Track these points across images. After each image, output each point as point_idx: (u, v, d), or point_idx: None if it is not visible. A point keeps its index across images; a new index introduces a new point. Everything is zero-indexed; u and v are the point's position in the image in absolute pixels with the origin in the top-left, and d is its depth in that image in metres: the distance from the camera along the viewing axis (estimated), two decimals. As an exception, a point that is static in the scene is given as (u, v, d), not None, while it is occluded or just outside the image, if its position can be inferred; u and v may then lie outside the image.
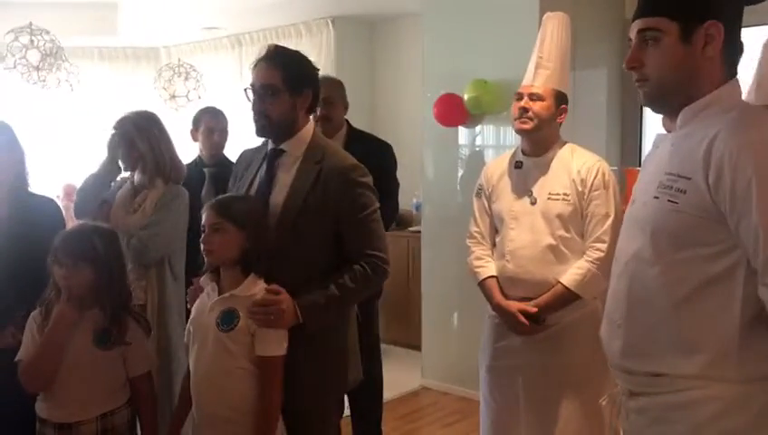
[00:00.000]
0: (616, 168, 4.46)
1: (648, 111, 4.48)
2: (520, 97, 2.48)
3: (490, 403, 2.58)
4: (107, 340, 2.09)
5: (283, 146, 2.15)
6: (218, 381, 1.98)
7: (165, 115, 5.89)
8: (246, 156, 2.34)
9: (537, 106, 2.44)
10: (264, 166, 2.19)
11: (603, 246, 2.37)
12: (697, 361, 1.36)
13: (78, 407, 2.06)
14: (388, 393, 3.64)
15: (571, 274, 2.39)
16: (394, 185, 3.32)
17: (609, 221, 2.39)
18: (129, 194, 2.81)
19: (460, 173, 4.37)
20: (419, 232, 4.69)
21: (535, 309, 2.39)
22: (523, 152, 2.54)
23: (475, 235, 2.62)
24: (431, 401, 4.25)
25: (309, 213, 2.04)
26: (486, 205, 2.59)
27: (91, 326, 2.09)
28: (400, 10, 5.46)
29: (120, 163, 2.84)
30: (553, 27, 2.53)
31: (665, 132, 1.52)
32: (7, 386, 2.12)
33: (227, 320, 1.97)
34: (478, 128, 4.27)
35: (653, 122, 4.45)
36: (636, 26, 1.45)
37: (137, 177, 2.82)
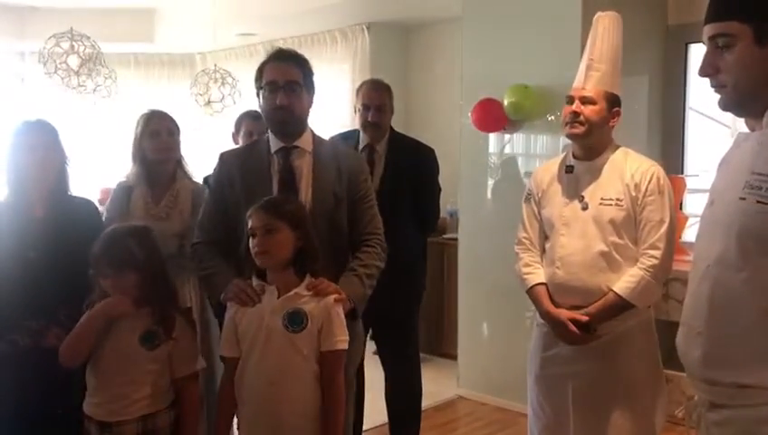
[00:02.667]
0: (658, 175, 4.39)
1: (690, 119, 4.39)
2: (571, 100, 2.41)
3: (539, 414, 2.51)
4: (153, 340, 2.08)
5: (296, 143, 2.26)
6: (289, 384, 1.96)
7: (201, 121, 5.95)
8: (233, 160, 2.34)
9: (588, 110, 2.36)
10: (279, 163, 2.24)
11: (658, 253, 2.29)
12: None
13: (121, 406, 2.05)
14: (425, 402, 3.58)
15: (624, 282, 2.30)
16: (436, 189, 3.28)
17: (665, 228, 2.31)
18: (147, 196, 2.82)
19: (497, 179, 4.31)
20: (454, 239, 4.65)
21: (586, 318, 2.31)
22: (574, 156, 2.47)
23: (524, 241, 2.54)
24: (468, 410, 4.19)
25: (337, 205, 2.20)
26: (536, 210, 2.53)
27: (139, 326, 2.09)
28: (435, 16, 5.44)
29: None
30: (605, 27, 2.46)
31: (747, 131, 1.45)
32: (54, 385, 2.12)
33: (296, 321, 1.96)
34: (517, 134, 4.21)
35: (696, 130, 4.37)
36: (706, 32, 1.40)
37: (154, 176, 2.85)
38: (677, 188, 4.09)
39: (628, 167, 2.37)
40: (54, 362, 2.11)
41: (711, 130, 4.29)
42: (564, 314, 2.35)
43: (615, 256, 2.33)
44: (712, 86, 1.42)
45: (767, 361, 1.32)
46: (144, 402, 2.07)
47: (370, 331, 3.22)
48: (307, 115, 2.28)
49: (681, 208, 4.08)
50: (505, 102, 3.99)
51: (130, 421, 2.05)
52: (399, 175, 3.20)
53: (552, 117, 3.92)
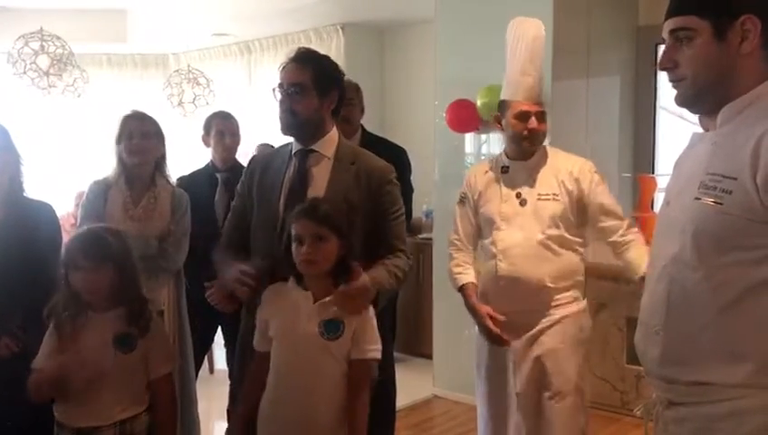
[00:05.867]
0: (629, 174, 4.44)
1: (661, 118, 4.45)
2: (525, 116, 2.49)
3: (490, 402, 2.65)
4: (128, 342, 2.05)
5: (314, 146, 2.18)
6: (325, 390, 1.93)
7: (174, 121, 5.91)
8: (260, 161, 2.32)
9: (544, 125, 2.53)
10: (294, 166, 2.19)
11: (633, 228, 2.52)
12: (744, 369, 1.30)
13: (96, 412, 2.01)
14: (400, 402, 3.59)
15: (642, 260, 2.35)
16: (408, 190, 3.29)
17: (620, 207, 2.54)
18: (126, 196, 2.80)
19: (471, 180, 4.33)
20: (429, 239, 4.66)
21: (503, 318, 2.47)
22: (508, 157, 2.60)
23: (456, 242, 2.68)
24: (443, 409, 4.20)
25: (350, 211, 2.08)
26: (470, 213, 2.65)
27: (112, 329, 2.05)
28: (410, 17, 5.45)
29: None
30: (538, 35, 2.56)
31: (701, 131, 1.47)
32: (17, 393, 2.08)
33: (333, 328, 1.92)
34: (491, 134, 4.23)
35: (666, 129, 4.43)
36: (667, 26, 1.41)
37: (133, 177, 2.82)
38: (648, 188, 4.15)
39: (561, 164, 2.55)
40: (11, 371, 2.07)
41: (681, 129, 4.36)
42: (484, 309, 2.51)
43: (554, 246, 2.49)
44: (671, 80, 1.43)
45: (723, 358, 1.33)
46: (120, 407, 2.04)
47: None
48: (320, 118, 2.16)
49: (652, 207, 4.12)
50: (478, 103, 4.02)
51: (108, 427, 2.01)
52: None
53: (491, 121, 3.95)
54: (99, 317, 2.06)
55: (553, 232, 2.48)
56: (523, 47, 2.53)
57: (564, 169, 2.52)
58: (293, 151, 2.22)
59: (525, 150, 2.55)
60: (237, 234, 2.25)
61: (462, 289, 2.60)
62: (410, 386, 4.17)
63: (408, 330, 4.93)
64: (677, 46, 1.40)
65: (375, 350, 1.97)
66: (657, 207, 4.23)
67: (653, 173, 4.34)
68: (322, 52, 6.47)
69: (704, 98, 1.41)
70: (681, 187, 1.44)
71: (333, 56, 5.67)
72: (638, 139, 4.49)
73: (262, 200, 2.17)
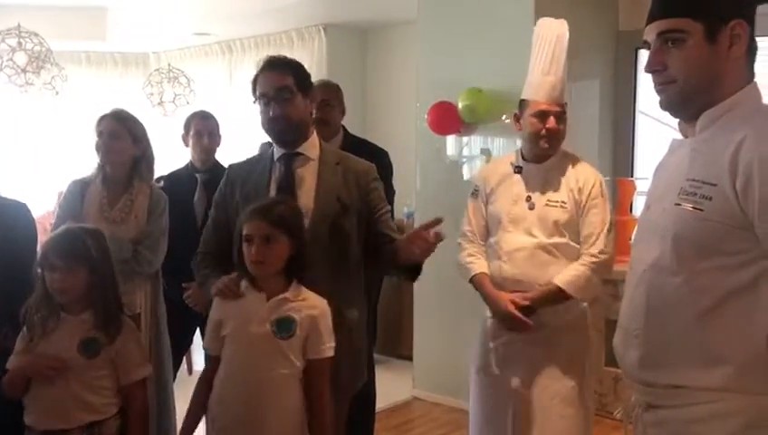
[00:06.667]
0: (608, 178, 4.47)
1: (640, 122, 4.49)
2: (544, 115, 2.47)
3: (482, 404, 2.60)
4: (94, 347, 2.02)
5: (299, 149, 2.19)
6: (274, 391, 1.92)
7: (154, 121, 5.86)
8: (239, 170, 2.30)
9: (562, 126, 2.50)
10: (279, 170, 2.19)
11: (597, 251, 2.46)
12: (721, 373, 1.32)
13: (62, 414, 1.99)
14: (380, 404, 3.58)
15: (565, 274, 2.44)
16: (390, 192, 3.28)
17: (606, 228, 2.48)
18: (103, 197, 2.76)
19: (451, 182, 4.34)
20: (411, 241, 4.65)
21: (527, 302, 2.43)
22: (524, 158, 2.57)
23: (468, 233, 2.65)
24: (423, 411, 4.20)
25: (343, 211, 2.13)
26: (482, 206, 2.63)
27: (80, 332, 2.03)
28: (392, 18, 5.44)
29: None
30: (563, 30, 2.53)
31: (680, 138, 1.48)
32: None
33: (285, 327, 1.92)
34: (472, 136, 4.24)
35: (645, 133, 4.46)
36: (655, 28, 1.40)
37: (109, 178, 2.77)
38: (627, 191, 4.18)
39: (573, 172, 2.52)
40: None
41: (660, 133, 4.40)
42: (506, 296, 2.47)
43: (558, 253, 2.47)
44: (658, 83, 1.42)
45: (701, 362, 1.34)
46: (86, 411, 2.01)
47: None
48: (308, 120, 2.21)
49: (630, 211, 4.16)
50: (460, 105, 4.03)
51: (75, 430, 1.99)
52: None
53: (508, 119, 3.96)
54: (71, 319, 2.05)
55: (558, 239, 2.47)
56: (546, 47, 2.51)
57: (573, 176, 2.51)
58: (277, 157, 2.21)
59: (541, 151, 2.51)
60: (217, 245, 2.22)
61: (475, 279, 2.56)
62: (390, 388, 4.17)
63: (387, 331, 4.92)
64: (666, 48, 1.39)
65: (330, 348, 1.97)
66: (636, 210, 4.27)
67: (632, 177, 4.38)
68: (305, 52, 6.47)
69: (692, 101, 1.40)
70: (661, 192, 1.44)
71: (315, 57, 5.72)
72: (617, 142, 4.52)
73: (247, 205, 2.12)
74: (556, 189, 2.50)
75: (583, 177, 2.51)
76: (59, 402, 2.00)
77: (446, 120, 4.12)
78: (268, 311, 1.93)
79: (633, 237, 1.53)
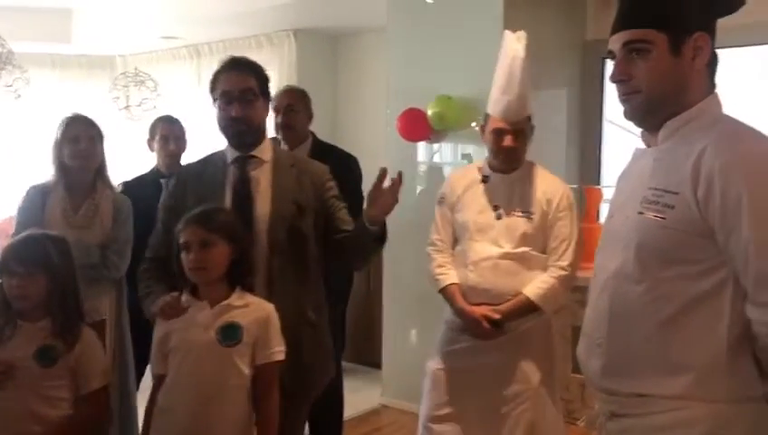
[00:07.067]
0: (576, 186, 4.51)
1: (607, 131, 4.54)
2: (502, 133, 2.48)
3: (435, 404, 2.60)
4: (50, 356, 1.98)
5: (254, 152, 2.19)
6: (223, 400, 1.88)
7: (120, 125, 5.77)
8: (188, 173, 2.28)
9: (521, 143, 2.51)
10: (234, 174, 2.17)
11: (566, 264, 2.49)
12: (684, 381, 1.33)
13: (17, 423, 1.94)
14: (348, 412, 3.57)
15: (535, 287, 2.46)
16: (359, 199, 3.26)
17: (573, 241, 2.51)
18: (65, 203, 2.72)
19: (421, 189, 4.34)
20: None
21: (498, 315, 2.44)
22: (491, 167, 2.58)
23: (437, 242, 2.65)
24: (391, 419, 4.18)
25: (300, 213, 2.14)
26: (449, 214, 2.64)
27: (36, 340, 1.98)
28: (363, 25, 5.44)
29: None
30: (518, 48, 2.52)
31: (643, 147, 1.50)
32: None
33: (231, 335, 1.89)
34: (442, 143, 4.26)
35: (612, 142, 4.52)
36: (620, 39, 1.41)
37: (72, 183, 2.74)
38: (594, 199, 4.22)
39: (540, 184, 2.55)
40: None
41: (627, 142, 4.45)
42: (478, 311, 2.47)
43: (524, 263, 2.50)
44: (623, 93, 1.43)
45: (663, 370, 1.35)
46: (41, 425, 1.96)
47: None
48: (264, 125, 2.23)
49: (597, 219, 4.20)
50: (429, 113, 4.03)
51: None
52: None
53: (477, 127, 3.98)
54: (28, 327, 2.00)
55: (524, 249, 2.49)
56: (505, 64, 2.52)
57: (542, 188, 2.53)
58: (230, 159, 2.20)
59: (504, 165, 2.55)
60: (167, 250, 2.15)
61: (445, 290, 2.56)
62: (358, 395, 4.15)
63: (356, 338, 4.90)
64: (631, 59, 1.40)
65: (280, 352, 1.95)
66: (603, 217, 4.32)
67: (599, 185, 4.42)
68: (274, 57, 6.43)
69: (655, 111, 1.41)
70: (624, 201, 1.46)
71: (285, 62, 5.69)
72: (584, 150, 4.57)
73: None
74: (524, 200, 2.52)
75: (552, 188, 2.54)
76: (11, 415, 1.94)
77: (416, 126, 4.12)
78: (212, 318, 1.90)
79: (597, 246, 1.54)
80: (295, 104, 3.20)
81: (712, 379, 1.32)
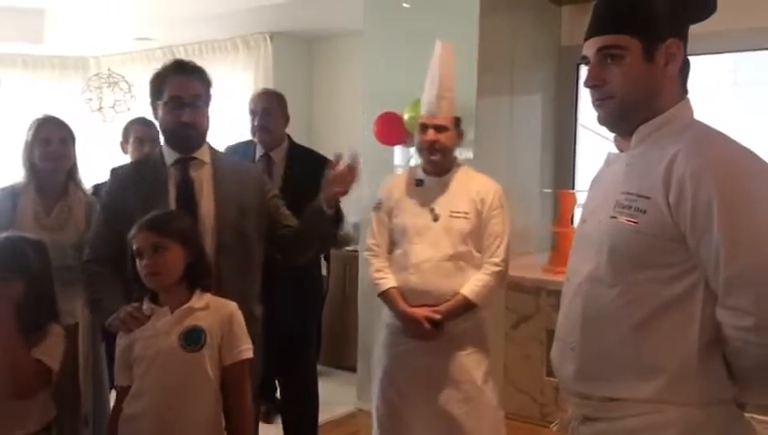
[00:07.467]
0: (550, 190, 4.55)
1: (581, 136, 4.59)
2: (425, 128, 2.62)
3: (386, 404, 2.67)
4: None
5: (195, 154, 2.23)
6: (190, 408, 1.86)
7: (92, 126, 5.70)
8: (125, 174, 2.28)
9: (444, 137, 2.61)
10: (176, 176, 2.20)
11: (499, 261, 2.60)
12: (656, 384, 1.34)
13: None
14: (323, 416, 3.56)
15: (471, 285, 2.56)
16: (334, 203, 3.26)
17: (505, 238, 2.62)
18: (37, 205, 2.69)
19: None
20: (356, 251, 4.64)
21: (439, 316, 2.53)
22: (425, 171, 2.69)
23: (374, 247, 2.72)
24: (367, 423, 4.13)
25: (243, 215, 2.19)
26: (385, 219, 2.72)
27: None
28: (339, 28, 5.44)
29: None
30: (445, 56, 2.69)
31: (616, 151, 1.51)
32: None
33: (194, 339, 1.86)
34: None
35: (586, 146, 4.56)
36: (594, 44, 1.42)
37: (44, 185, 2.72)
38: (568, 203, 4.25)
39: (473, 184, 2.66)
40: None
41: (600, 147, 4.49)
42: (419, 312, 2.55)
43: (463, 263, 2.59)
44: (597, 99, 1.44)
45: (635, 374, 1.36)
46: (8, 426, 1.93)
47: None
48: (208, 128, 2.26)
49: (571, 223, 4.24)
50: (405, 117, 4.04)
51: None
52: (298, 185, 3.16)
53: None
54: None
55: (463, 249, 2.58)
56: (432, 70, 2.69)
57: (474, 189, 2.63)
58: (170, 161, 2.22)
59: (433, 164, 2.64)
60: (109, 249, 2.16)
61: (385, 294, 2.64)
62: (334, 399, 4.13)
63: (332, 342, 4.89)
64: (605, 64, 1.41)
65: (247, 349, 1.94)
66: (577, 222, 4.36)
67: (573, 189, 4.46)
68: (250, 60, 6.40)
69: (629, 117, 1.43)
70: (597, 205, 1.47)
71: (261, 65, 5.67)
72: (558, 155, 4.61)
73: (147, 212, 2.03)
74: (459, 201, 2.62)
75: (484, 188, 2.64)
76: None
77: (392, 130, 4.12)
78: (174, 323, 1.88)
79: (570, 251, 1.55)
80: (272, 107, 3.20)
81: (684, 382, 1.33)
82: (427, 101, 2.65)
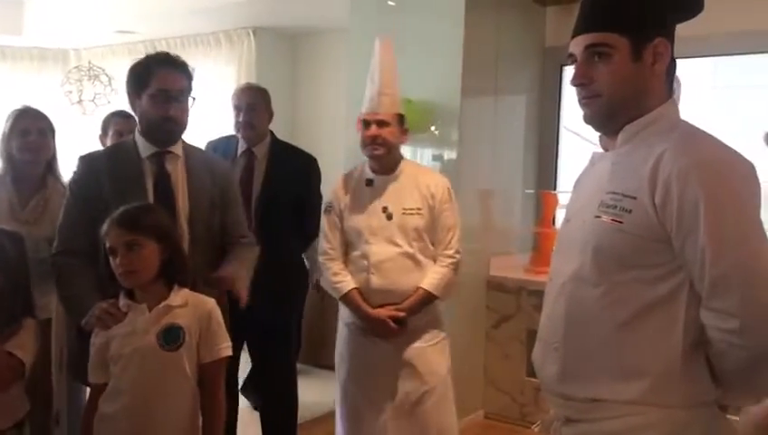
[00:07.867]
0: (532, 190, 4.56)
1: (563, 137, 4.60)
2: (367, 124, 2.64)
3: (351, 403, 2.69)
4: None
5: (171, 148, 2.24)
6: (168, 406, 1.83)
7: (72, 119, 5.63)
8: (100, 163, 2.25)
9: (386, 132, 2.62)
10: (151, 169, 2.20)
11: (453, 252, 2.66)
12: (639, 386, 1.33)
13: None
14: (303, 414, 3.53)
15: (430, 278, 2.62)
16: (317, 200, 3.25)
17: (457, 230, 2.69)
18: (12, 197, 2.66)
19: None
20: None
21: (403, 314, 2.58)
22: (373, 171, 2.70)
23: (329, 251, 2.71)
24: (346, 422, 4.15)
25: (212, 209, 2.24)
26: (337, 221, 2.72)
27: None
28: (323, 25, 5.41)
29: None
30: (386, 52, 2.73)
31: (601, 151, 1.50)
32: None
33: (172, 337, 1.83)
34: (401, 146, 4.24)
35: (568, 147, 4.58)
36: (582, 41, 1.40)
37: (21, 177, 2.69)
38: (550, 204, 4.27)
39: (422, 179, 2.69)
40: None
41: (583, 148, 4.51)
42: (383, 313, 2.59)
43: (419, 257, 2.64)
44: (583, 97, 1.42)
45: (618, 375, 1.35)
46: None
47: (245, 342, 3.15)
48: (188, 123, 2.28)
49: (554, 223, 4.25)
50: (389, 115, 4.02)
51: None
52: (280, 181, 3.15)
53: (437, 131, 3.99)
54: None
55: (419, 244, 2.62)
56: (373, 67, 2.74)
57: (424, 184, 2.67)
58: (145, 154, 2.21)
59: (378, 160, 2.65)
60: (83, 239, 2.11)
61: (346, 297, 2.65)
62: (313, 398, 4.11)
63: (311, 341, 4.87)
64: (592, 62, 1.39)
65: (226, 347, 1.92)
66: (559, 222, 4.37)
67: (555, 190, 4.47)
68: (233, 55, 6.34)
69: (616, 116, 1.41)
70: (581, 205, 1.45)
71: (244, 60, 5.62)
72: (541, 156, 4.61)
73: (122, 203, 1.98)
74: (410, 198, 2.64)
75: (433, 183, 2.68)
76: None
77: (375, 128, 4.10)
78: (152, 321, 1.85)
79: (553, 250, 1.54)
80: (257, 103, 3.18)
81: (667, 384, 1.32)
82: (369, 98, 2.68)
